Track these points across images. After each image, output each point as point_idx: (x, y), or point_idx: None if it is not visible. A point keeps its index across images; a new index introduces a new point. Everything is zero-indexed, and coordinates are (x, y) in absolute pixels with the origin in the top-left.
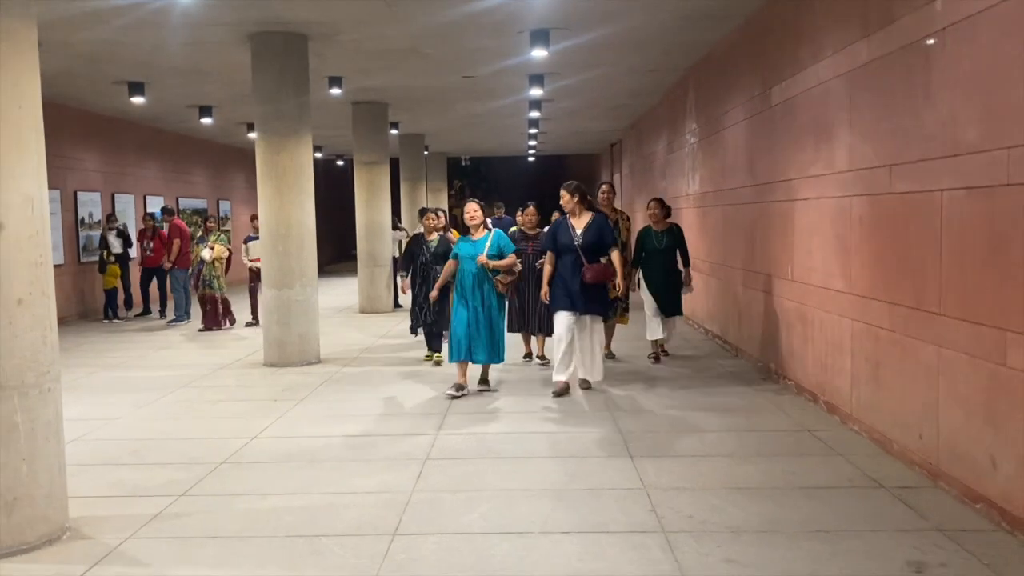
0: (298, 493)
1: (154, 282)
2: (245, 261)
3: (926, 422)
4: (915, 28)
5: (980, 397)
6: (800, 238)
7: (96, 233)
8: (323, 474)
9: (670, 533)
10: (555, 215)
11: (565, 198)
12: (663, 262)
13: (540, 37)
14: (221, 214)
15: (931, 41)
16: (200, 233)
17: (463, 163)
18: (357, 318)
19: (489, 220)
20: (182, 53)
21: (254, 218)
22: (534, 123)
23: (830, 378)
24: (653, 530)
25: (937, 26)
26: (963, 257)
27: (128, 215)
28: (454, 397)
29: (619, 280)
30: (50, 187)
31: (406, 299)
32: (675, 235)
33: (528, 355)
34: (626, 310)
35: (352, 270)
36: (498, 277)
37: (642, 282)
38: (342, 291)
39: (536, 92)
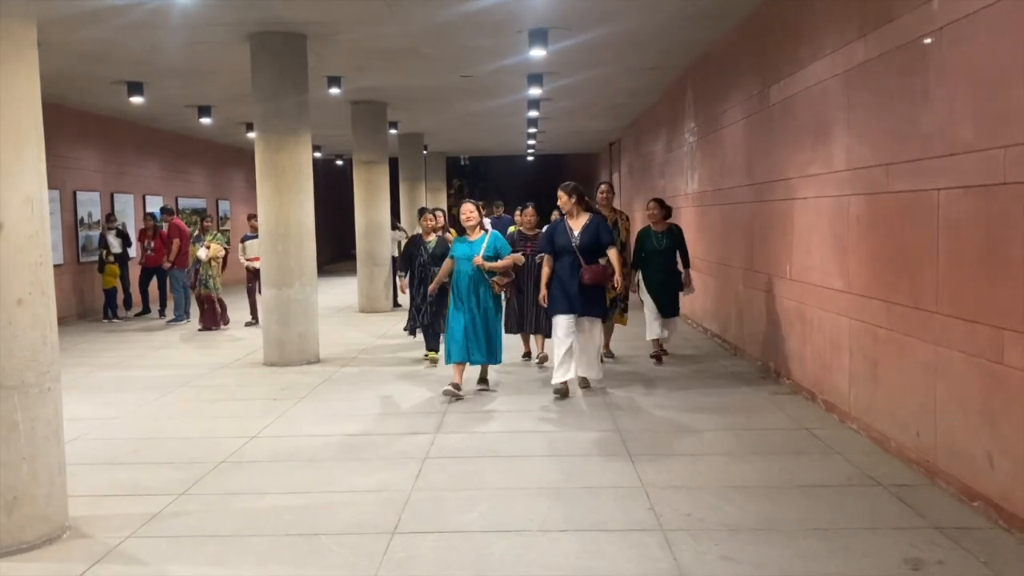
0: (297, 492)
1: (154, 281)
2: (242, 260)
3: (923, 420)
4: (912, 27)
5: (977, 395)
6: (798, 237)
7: (95, 233)
8: (322, 473)
9: (668, 531)
10: (554, 215)
11: (563, 199)
12: (663, 263)
13: (539, 36)
14: (220, 214)
15: (928, 40)
16: (196, 232)
17: (462, 162)
18: (356, 317)
19: (488, 220)
20: (181, 53)
21: (251, 217)
22: (533, 122)
23: (828, 377)
24: (651, 528)
25: (934, 25)
26: (960, 256)
27: (127, 215)
28: (451, 397)
29: (618, 278)
30: (49, 187)
31: (405, 298)
32: (675, 236)
33: (527, 354)
34: (625, 310)
35: (351, 270)
36: (494, 278)
37: (641, 283)
38: (341, 290)
39: (535, 91)
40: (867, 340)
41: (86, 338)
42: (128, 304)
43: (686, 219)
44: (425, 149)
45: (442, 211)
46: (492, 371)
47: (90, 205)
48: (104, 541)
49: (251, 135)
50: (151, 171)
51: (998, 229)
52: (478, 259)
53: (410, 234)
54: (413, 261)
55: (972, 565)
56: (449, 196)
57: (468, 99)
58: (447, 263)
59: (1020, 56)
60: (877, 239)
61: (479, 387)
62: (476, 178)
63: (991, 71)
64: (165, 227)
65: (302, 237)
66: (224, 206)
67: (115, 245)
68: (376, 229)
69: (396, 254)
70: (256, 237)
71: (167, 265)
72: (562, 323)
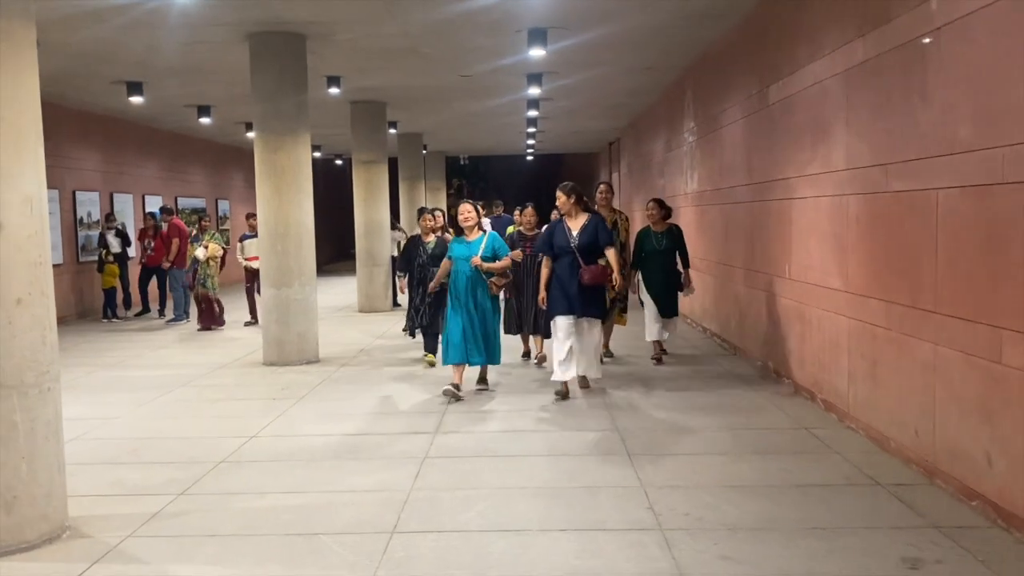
0: (297, 492)
1: (153, 281)
2: (240, 260)
3: (922, 420)
4: (911, 27)
5: (975, 394)
6: (798, 237)
7: (95, 233)
8: (322, 473)
9: (667, 530)
10: (554, 215)
11: (561, 199)
12: (662, 263)
13: (538, 36)
14: (220, 213)
15: (927, 40)
16: (195, 232)
17: (462, 162)
18: (356, 317)
19: (488, 219)
20: (180, 53)
21: (250, 216)
22: (532, 122)
23: (827, 376)
24: (650, 528)
25: (933, 25)
26: (958, 255)
27: (127, 214)
28: (451, 397)
29: (615, 276)
30: (49, 187)
31: (405, 298)
32: (674, 236)
33: (527, 353)
34: (624, 310)
35: (351, 269)
36: (492, 279)
37: (641, 283)
38: (341, 290)
39: (534, 91)
40: (866, 340)
41: (86, 338)
42: (128, 304)
43: (685, 219)
44: (424, 149)
45: (441, 211)
46: (491, 371)
47: (89, 205)
48: (104, 540)
49: (250, 135)
50: (150, 171)
51: (996, 229)
52: (476, 259)
53: (409, 234)
54: (412, 262)
55: (970, 564)
56: (449, 196)
57: (467, 99)
58: (445, 263)
59: (1018, 56)
60: (876, 239)
61: (478, 387)
62: (476, 178)
63: (989, 71)
64: (165, 227)
65: (301, 237)
66: (223, 206)
67: (114, 245)
68: (375, 229)
69: (395, 254)
70: (254, 236)
71: (166, 265)
72: (562, 324)
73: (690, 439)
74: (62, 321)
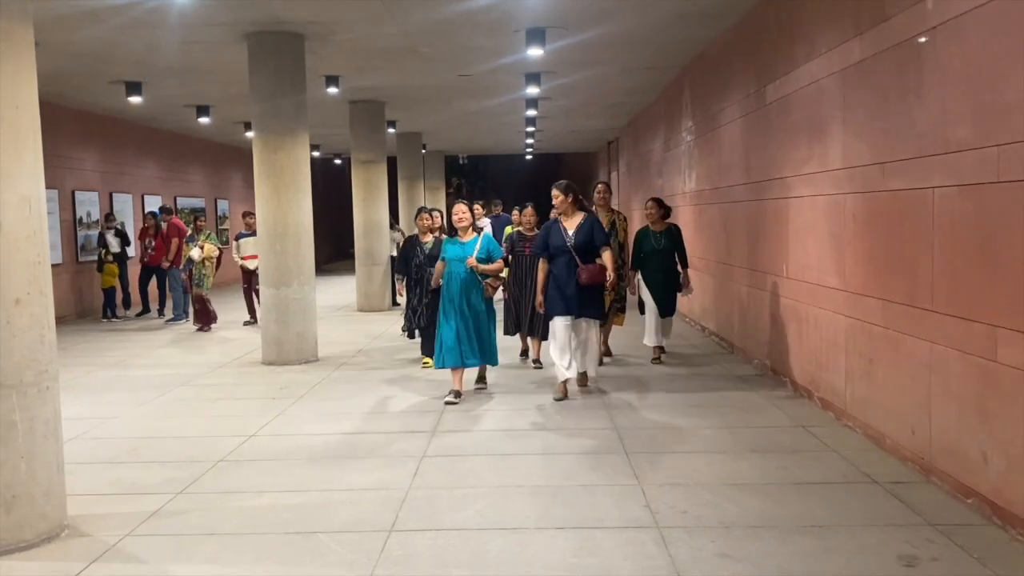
0: (295, 490)
1: (153, 281)
2: (236, 259)
3: (919, 418)
4: (907, 27)
5: (971, 392)
6: (795, 235)
7: (94, 232)
8: (320, 472)
9: (664, 528)
10: (553, 214)
11: (559, 198)
12: (661, 263)
13: (536, 36)
14: (219, 213)
15: (922, 40)
16: (190, 232)
17: (461, 161)
18: (355, 316)
19: (488, 219)
20: (179, 53)
21: (246, 215)
22: (531, 121)
23: (825, 375)
24: (647, 525)
25: (928, 24)
26: (954, 254)
27: (126, 214)
28: (451, 403)
29: (610, 272)
30: (48, 186)
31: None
32: (673, 236)
33: (525, 352)
34: (622, 310)
35: (350, 269)
36: (487, 280)
37: (641, 283)
38: (340, 289)
39: (532, 90)
40: (863, 338)
41: (85, 337)
42: (127, 303)
43: (684, 218)
44: (423, 148)
45: (439, 212)
46: (490, 371)
47: (89, 205)
48: (102, 539)
49: (249, 134)
50: (150, 171)
51: (992, 227)
52: (471, 260)
53: (408, 234)
54: (409, 262)
55: (966, 562)
56: (448, 195)
57: (466, 98)
58: (439, 266)
59: (1012, 55)
60: (873, 237)
61: (477, 386)
62: (475, 177)
63: (985, 70)
64: (164, 227)
65: (300, 236)
66: (223, 205)
67: (114, 244)
68: (374, 228)
69: (394, 254)
70: (251, 235)
71: (166, 265)
72: (560, 325)
73: (688, 438)
74: (61, 321)
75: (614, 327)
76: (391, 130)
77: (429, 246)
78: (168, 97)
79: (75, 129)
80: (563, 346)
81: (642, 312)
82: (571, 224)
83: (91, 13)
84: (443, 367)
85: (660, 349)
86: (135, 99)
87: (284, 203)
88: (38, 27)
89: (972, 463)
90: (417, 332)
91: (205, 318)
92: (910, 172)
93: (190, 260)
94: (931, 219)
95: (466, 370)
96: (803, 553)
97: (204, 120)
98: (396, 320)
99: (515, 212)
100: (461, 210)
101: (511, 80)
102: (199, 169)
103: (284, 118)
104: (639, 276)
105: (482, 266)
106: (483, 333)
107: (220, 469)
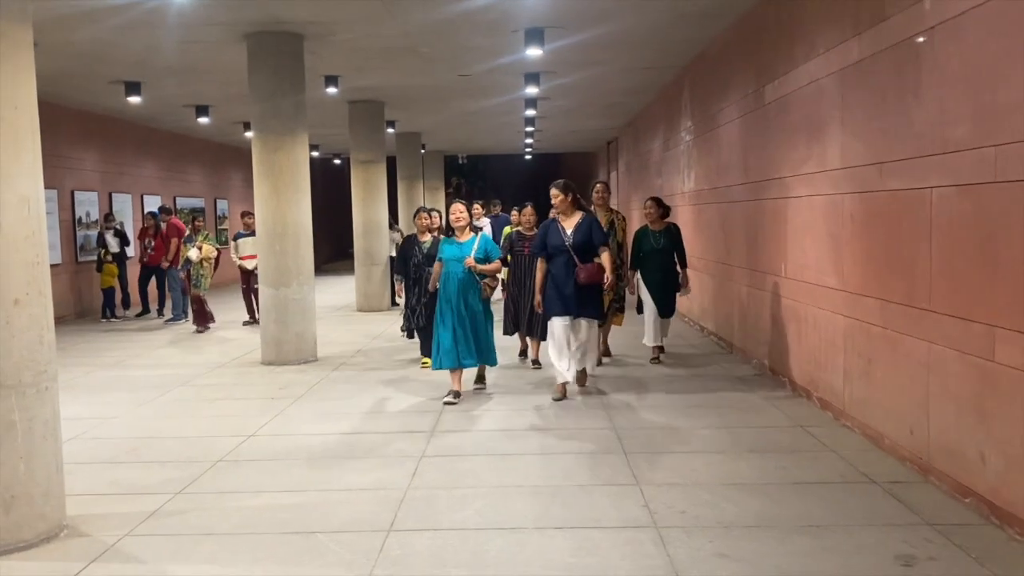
0: (294, 490)
1: (153, 281)
2: (234, 259)
3: (917, 418)
4: (905, 27)
5: (969, 392)
6: (793, 235)
7: (94, 232)
8: (319, 472)
9: (662, 528)
10: (552, 213)
11: (559, 197)
12: (661, 262)
13: (535, 36)
14: (219, 213)
15: (921, 40)
16: (188, 232)
17: (460, 161)
18: (354, 317)
19: (488, 219)
20: (178, 53)
21: (244, 215)
22: (530, 121)
23: (823, 375)
24: (646, 525)
25: (926, 24)
26: (952, 254)
27: (125, 214)
28: (450, 403)
29: (608, 274)
30: (47, 186)
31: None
32: (673, 235)
33: (524, 352)
34: (621, 309)
35: (349, 269)
36: (485, 280)
37: (641, 283)
38: (339, 289)
39: (532, 90)
40: (861, 338)
41: (84, 338)
42: (126, 304)
43: (683, 217)
44: (423, 148)
45: (438, 211)
46: (489, 371)
47: (88, 205)
48: (101, 540)
49: (249, 134)
50: (149, 171)
51: (990, 227)
52: (469, 260)
53: (407, 234)
54: (408, 262)
55: (964, 561)
56: (447, 195)
57: (465, 98)
58: (436, 267)
59: (1009, 55)
60: (871, 237)
61: (476, 386)
62: (475, 177)
63: (982, 70)
64: (164, 227)
65: (299, 237)
66: (222, 205)
67: (113, 245)
68: (374, 228)
69: (393, 254)
70: (249, 235)
71: (165, 265)
72: (558, 325)
73: (686, 438)
74: (61, 321)
75: (613, 327)
76: (390, 130)
77: (427, 245)
78: (167, 97)
79: (75, 129)
80: (561, 347)
81: (640, 312)
82: (569, 224)
83: (90, 13)
84: (440, 368)
85: (659, 349)
86: (134, 99)
87: (283, 203)
88: (38, 27)
89: (970, 463)
90: (416, 332)
91: (203, 318)
92: (908, 172)
93: (188, 261)
94: (929, 219)
95: (465, 370)
96: (801, 553)
97: (203, 120)
98: (395, 320)
99: (514, 212)
100: (459, 210)
101: (510, 80)
102: (198, 169)
103: (283, 118)
104: (638, 276)
105: (480, 266)
106: (480, 333)
107: (219, 469)
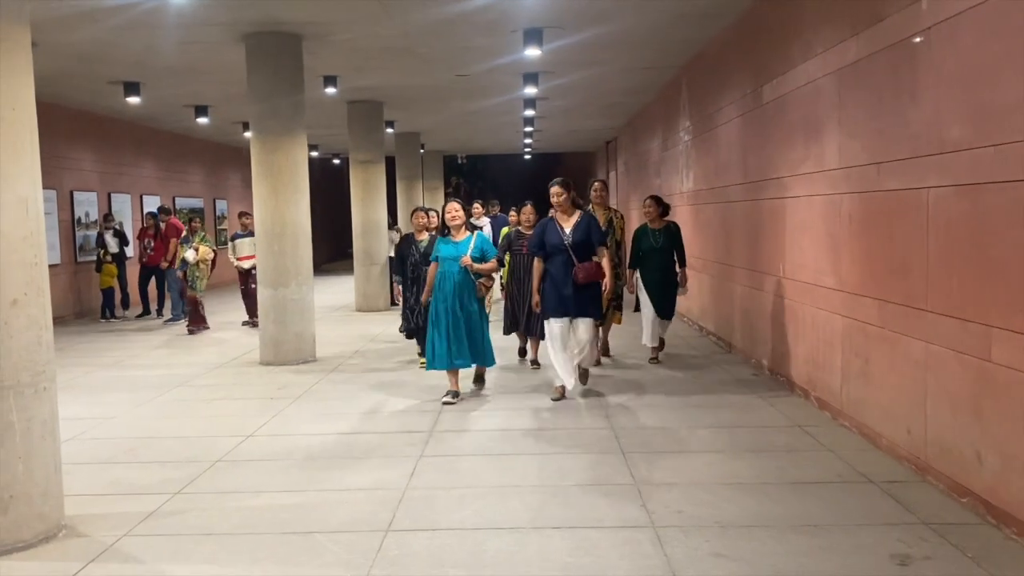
0: (293, 490)
1: (152, 281)
2: (232, 259)
3: (914, 417)
4: (902, 27)
5: (966, 392)
6: (791, 235)
7: (93, 233)
8: (318, 472)
9: (660, 528)
10: (552, 213)
11: (560, 194)
12: (660, 262)
13: (533, 36)
14: (218, 213)
15: (917, 40)
16: (185, 233)
17: (459, 161)
18: (353, 317)
19: (487, 219)
20: (177, 53)
21: (242, 215)
22: (529, 121)
23: (821, 374)
24: (643, 525)
25: (923, 25)
26: (949, 254)
27: (125, 214)
28: (449, 404)
29: (607, 281)
30: (46, 187)
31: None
32: (672, 234)
33: (523, 352)
34: (619, 308)
35: (348, 269)
36: (481, 280)
37: (639, 283)
38: (338, 289)
39: (530, 90)
40: (859, 338)
41: (84, 338)
42: (126, 304)
43: (682, 217)
44: (422, 148)
45: (435, 211)
46: (488, 371)
47: (87, 205)
48: (100, 540)
49: (248, 135)
50: (148, 171)
51: (986, 227)
52: (466, 259)
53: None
54: (405, 261)
55: (960, 561)
56: (447, 195)
57: (464, 98)
58: (431, 274)
59: (1006, 55)
60: (869, 237)
61: (475, 386)
62: (474, 177)
63: (979, 70)
64: (163, 227)
65: (298, 237)
66: (221, 205)
67: (112, 245)
68: (373, 228)
69: (392, 254)
70: (246, 235)
71: (164, 265)
72: (557, 326)
73: (685, 438)
74: (60, 321)
75: (613, 325)
76: (389, 130)
77: (424, 244)
78: (166, 97)
79: (74, 129)
80: (560, 350)
81: (637, 310)
82: (568, 222)
83: (90, 13)
84: (432, 369)
85: (658, 349)
86: (133, 99)
87: (282, 203)
88: (37, 27)
89: (967, 462)
90: (415, 332)
91: (197, 320)
92: (905, 172)
93: (184, 262)
94: (926, 219)
95: (464, 370)
96: (798, 552)
97: (203, 120)
98: (394, 320)
99: (512, 213)
100: (454, 208)
101: (509, 80)
102: (198, 169)
103: (282, 118)
104: (637, 275)
105: (476, 265)
106: (476, 334)
107: (218, 469)
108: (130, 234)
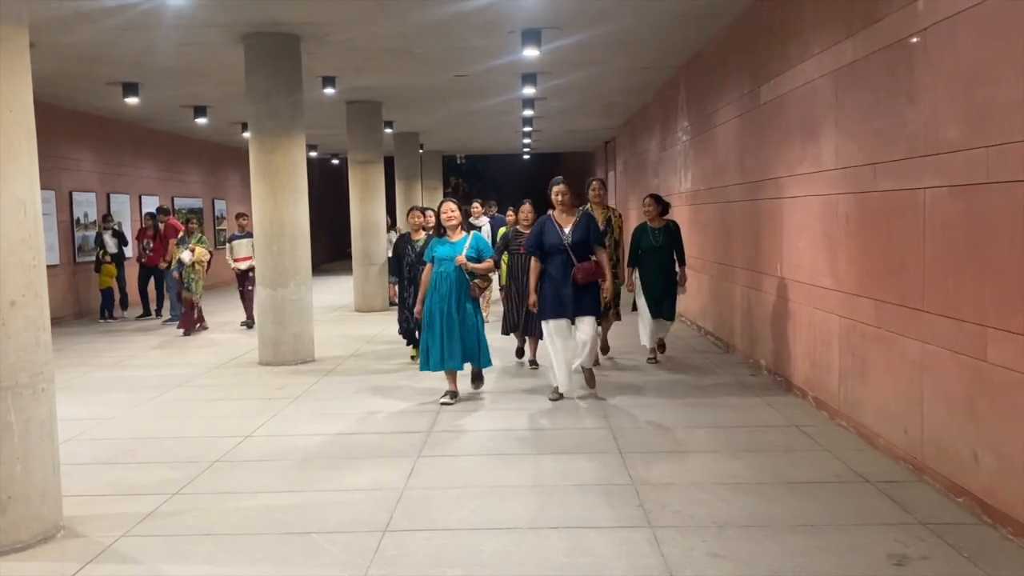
0: (291, 491)
1: (152, 281)
2: (230, 261)
3: (911, 417)
4: (898, 28)
5: (962, 392)
6: (789, 235)
7: (92, 233)
8: (316, 472)
9: (657, 528)
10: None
11: (563, 192)
12: (660, 261)
13: (531, 36)
14: (216, 213)
15: (914, 40)
16: (181, 234)
17: (458, 161)
18: (352, 317)
19: (486, 218)
20: (175, 54)
21: (239, 216)
22: (528, 121)
23: (818, 374)
24: (640, 525)
25: (919, 26)
26: (945, 254)
27: (124, 215)
28: (447, 404)
29: (607, 285)
30: (45, 188)
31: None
32: (672, 233)
33: (520, 351)
34: (616, 306)
35: (347, 269)
36: (475, 280)
37: (638, 283)
38: (337, 290)
39: (529, 91)
40: (856, 338)
41: (82, 338)
42: (125, 304)
43: (680, 217)
44: (421, 148)
45: (432, 210)
46: (486, 371)
47: (86, 205)
48: (98, 540)
49: (247, 135)
50: (147, 171)
51: (982, 227)
52: (461, 259)
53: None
54: (402, 260)
55: (957, 560)
56: (446, 195)
57: (463, 99)
58: (425, 276)
59: (1002, 56)
60: (866, 237)
61: (473, 387)
62: (473, 177)
63: (975, 71)
64: (162, 227)
65: (296, 237)
66: (220, 206)
67: (111, 245)
68: (372, 228)
69: (391, 254)
70: (244, 237)
71: (163, 265)
72: (555, 327)
73: (682, 437)
74: (59, 321)
75: (613, 324)
76: (388, 130)
77: (421, 244)
78: (165, 98)
79: (73, 130)
80: (559, 352)
81: (634, 309)
82: (566, 222)
83: (88, 14)
84: (426, 370)
85: (657, 349)
86: (132, 100)
87: (280, 203)
88: (35, 28)
89: (963, 462)
90: (413, 332)
91: (189, 322)
92: (902, 173)
93: (180, 263)
94: (923, 220)
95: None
96: (795, 552)
97: (201, 121)
98: (392, 321)
99: (510, 213)
100: (450, 208)
101: (507, 80)
102: (196, 170)
103: (280, 119)
104: (636, 275)
105: (472, 264)
106: (472, 335)
107: (216, 470)
108: (129, 235)
